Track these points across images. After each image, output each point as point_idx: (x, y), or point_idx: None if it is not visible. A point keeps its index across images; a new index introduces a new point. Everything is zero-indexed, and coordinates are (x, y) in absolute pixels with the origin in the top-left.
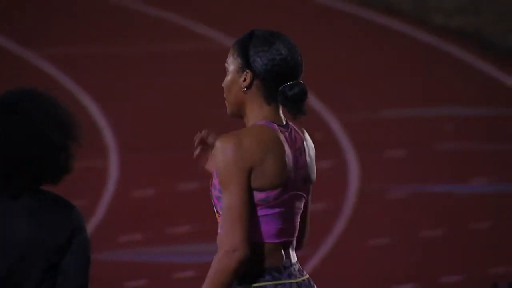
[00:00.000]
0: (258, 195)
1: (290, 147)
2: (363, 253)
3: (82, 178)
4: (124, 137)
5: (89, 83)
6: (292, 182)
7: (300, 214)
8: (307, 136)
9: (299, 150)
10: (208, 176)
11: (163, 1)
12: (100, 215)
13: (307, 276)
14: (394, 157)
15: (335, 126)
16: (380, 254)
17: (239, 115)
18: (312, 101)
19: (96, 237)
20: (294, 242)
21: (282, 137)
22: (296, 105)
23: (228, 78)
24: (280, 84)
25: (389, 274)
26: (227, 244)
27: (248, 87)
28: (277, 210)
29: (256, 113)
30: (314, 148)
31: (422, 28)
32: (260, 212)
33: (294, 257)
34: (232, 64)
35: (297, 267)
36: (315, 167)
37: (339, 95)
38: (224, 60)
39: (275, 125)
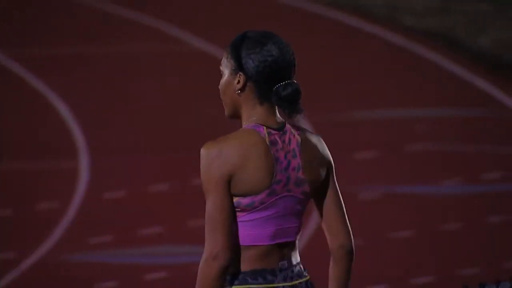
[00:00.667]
0: (243, 201)
1: (280, 149)
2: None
3: (53, 179)
4: (95, 138)
5: (59, 84)
6: (282, 185)
7: (300, 215)
8: (314, 139)
9: (292, 153)
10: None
11: (134, 2)
12: (70, 216)
13: (307, 278)
14: (365, 158)
15: (306, 127)
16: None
17: (236, 116)
18: None
19: (67, 239)
20: (296, 242)
21: (268, 140)
22: (290, 105)
23: (223, 80)
24: (273, 85)
25: (361, 275)
26: (207, 251)
27: (242, 89)
28: (267, 213)
29: (249, 115)
30: (324, 151)
31: (392, 29)
32: (249, 216)
33: (295, 259)
34: (226, 66)
35: (297, 269)
36: (322, 168)
37: (310, 96)
38: (194, 62)
39: (263, 128)
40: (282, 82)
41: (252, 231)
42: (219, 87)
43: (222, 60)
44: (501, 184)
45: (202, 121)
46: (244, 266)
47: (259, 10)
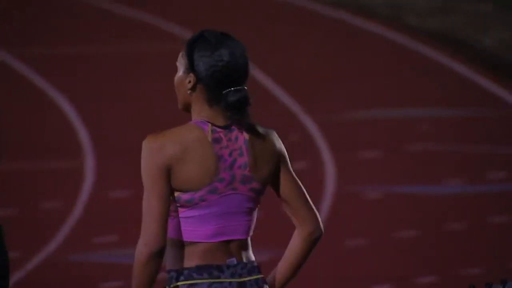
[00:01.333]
0: (183, 196)
1: (224, 147)
2: (339, 253)
3: (58, 179)
4: (100, 138)
5: (64, 84)
6: (225, 183)
7: (250, 212)
8: (264, 134)
9: (238, 151)
10: None
11: (138, 1)
12: (75, 216)
13: (259, 276)
14: (369, 157)
15: (311, 127)
16: (357, 255)
17: (188, 111)
18: (288, 102)
19: (72, 239)
20: (247, 240)
21: (212, 137)
22: (238, 111)
23: (177, 77)
24: (223, 89)
25: (365, 274)
26: (140, 238)
27: (192, 89)
28: (209, 210)
29: (197, 114)
30: (274, 145)
31: (395, 28)
32: (190, 212)
33: (247, 256)
34: (180, 64)
35: (248, 266)
36: (272, 163)
37: (314, 96)
38: None
39: (209, 125)
40: (231, 88)
41: (193, 227)
42: (174, 81)
43: (179, 56)
44: (504, 183)
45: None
46: (189, 262)
47: (261, 9)
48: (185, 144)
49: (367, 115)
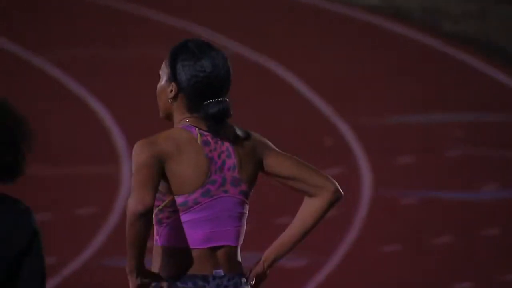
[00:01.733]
0: (177, 200)
1: (213, 150)
2: (375, 259)
3: (94, 184)
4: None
5: (100, 88)
6: (217, 185)
7: (241, 218)
8: (244, 134)
9: (226, 152)
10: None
11: (168, 6)
12: (111, 221)
13: None
14: (405, 163)
15: (346, 131)
16: (392, 260)
17: (169, 119)
18: (323, 106)
19: (107, 243)
20: (236, 249)
21: (200, 139)
22: (217, 123)
23: (159, 85)
24: (204, 99)
25: (401, 280)
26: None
27: (174, 98)
28: (202, 214)
29: (178, 120)
30: (255, 140)
31: (431, 33)
32: (184, 217)
33: (234, 268)
34: (163, 72)
35: (234, 280)
36: (257, 158)
37: (349, 100)
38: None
39: (195, 128)
40: (212, 99)
41: (185, 232)
42: (157, 89)
43: (163, 64)
44: None
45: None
46: (174, 271)
47: (293, 12)
48: (178, 143)
49: (403, 120)
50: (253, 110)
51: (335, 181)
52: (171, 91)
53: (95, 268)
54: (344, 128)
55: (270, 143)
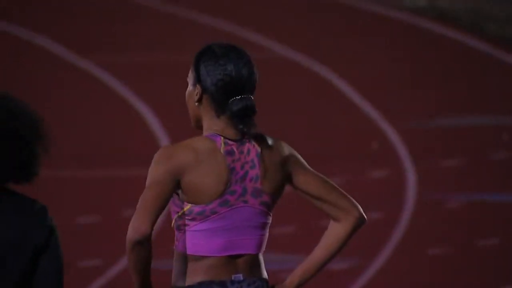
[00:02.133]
0: (195, 209)
1: (236, 160)
2: (421, 261)
3: (140, 186)
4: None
5: (145, 91)
6: (237, 195)
7: (262, 227)
8: (273, 145)
9: (250, 163)
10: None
11: (215, 9)
12: (157, 224)
13: None
14: (450, 165)
15: (392, 134)
16: (438, 263)
17: (199, 127)
18: (369, 109)
19: (154, 245)
20: (258, 257)
21: (224, 149)
22: (242, 120)
23: (187, 91)
24: (228, 98)
25: (446, 283)
26: (131, 225)
27: (199, 101)
28: (220, 224)
29: (208, 126)
30: (283, 153)
31: (477, 36)
32: (201, 226)
33: (255, 274)
34: (189, 77)
35: (256, 284)
36: (284, 172)
37: (395, 103)
38: (276, 68)
39: (221, 138)
40: (236, 97)
41: (202, 241)
42: (185, 97)
43: (190, 70)
44: None
45: (276, 126)
46: (192, 278)
47: (338, 16)
48: (198, 154)
49: (449, 122)
50: (301, 114)
51: (359, 206)
52: (197, 94)
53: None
54: (390, 131)
55: (300, 158)
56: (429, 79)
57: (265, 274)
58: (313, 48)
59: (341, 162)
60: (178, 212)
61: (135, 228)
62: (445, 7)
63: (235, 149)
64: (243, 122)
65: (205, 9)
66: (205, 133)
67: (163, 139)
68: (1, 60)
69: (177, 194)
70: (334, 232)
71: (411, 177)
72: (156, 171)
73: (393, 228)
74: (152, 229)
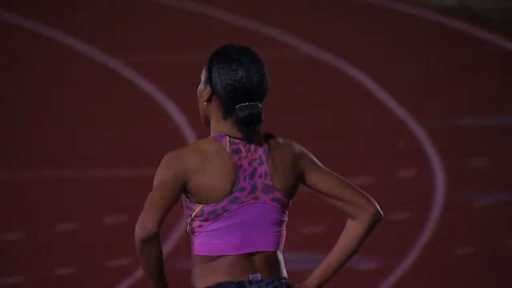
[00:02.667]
0: (206, 209)
1: (243, 157)
2: (448, 261)
3: None
4: None
5: (174, 91)
6: (246, 192)
7: (277, 224)
8: (283, 143)
9: (258, 160)
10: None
11: (243, 9)
12: (184, 222)
13: None
14: (478, 165)
15: (420, 133)
16: (465, 263)
17: (208, 123)
18: (397, 108)
19: (180, 245)
20: (276, 254)
21: (230, 148)
22: (247, 127)
23: (198, 88)
24: (236, 103)
25: (474, 283)
26: (138, 224)
27: (208, 101)
28: (232, 221)
29: (214, 126)
30: (293, 151)
31: (507, 36)
32: (214, 225)
33: (275, 271)
34: (202, 75)
35: (275, 283)
36: (295, 169)
37: (424, 102)
38: (302, 68)
39: (226, 137)
40: (244, 103)
41: (217, 240)
42: (197, 93)
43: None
44: None
45: (303, 125)
46: (210, 280)
47: (366, 16)
48: (204, 156)
49: (477, 122)
50: (328, 113)
51: (375, 202)
52: (207, 93)
53: (168, 270)
54: (418, 130)
55: (313, 157)
56: (457, 79)
57: (284, 273)
58: (341, 47)
59: (368, 162)
60: (191, 215)
61: (142, 226)
62: (475, 7)
63: (241, 147)
64: (248, 129)
65: (233, 8)
66: (212, 133)
67: (190, 137)
68: (35, 61)
69: (188, 197)
70: (351, 230)
71: (439, 177)
72: (163, 174)
73: (421, 228)
74: (158, 227)
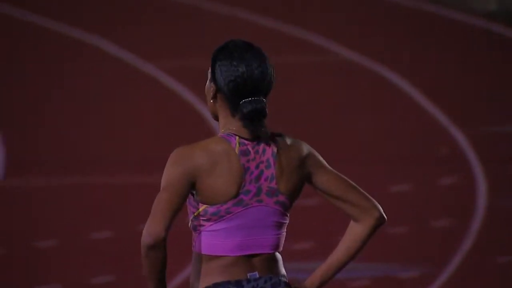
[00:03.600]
0: (209, 209)
1: (251, 160)
2: (491, 270)
3: None
4: None
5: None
6: (251, 195)
7: (278, 227)
8: (292, 145)
9: (265, 163)
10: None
11: (279, 13)
12: None
13: None
14: None
15: (461, 139)
16: (509, 272)
17: (217, 120)
18: (438, 114)
19: None
20: (275, 255)
21: (239, 149)
22: (251, 122)
23: (205, 86)
24: (240, 99)
25: None
26: (145, 228)
27: (214, 98)
28: (235, 223)
29: (223, 124)
30: (301, 152)
31: None
32: (216, 226)
33: (273, 270)
34: (208, 73)
35: (273, 280)
36: (302, 172)
37: (465, 108)
38: (341, 73)
39: (236, 137)
40: (247, 99)
41: (217, 241)
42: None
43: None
44: None
45: (343, 130)
46: (208, 279)
47: (405, 19)
48: (213, 156)
49: None
50: (367, 118)
51: (379, 206)
52: (212, 91)
53: None
54: (459, 137)
55: (320, 158)
56: (499, 84)
57: (283, 271)
58: (380, 52)
59: (409, 168)
60: (194, 213)
61: (150, 232)
62: None
63: (250, 149)
64: (253, 125)
65: (270, 12)
66: (221, 131)
67: None
68: (70, 66)
69: (192, 194)
70: (354, 232)
71: (481, 184)
72: (171, 173)
73: (463, 235)
74: (166, 233)
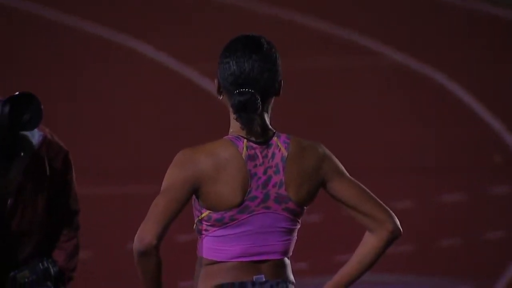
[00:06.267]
0: (213, 216)
1: (259, 165)
2: None
3: None
4: None
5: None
6: (258, 201)
7: (287, 233)
8: (307, 148)
9: (274, 168)
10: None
11: (331, 16)
12: None
13: None
14: None
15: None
16: None
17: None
18: (491, 121)
19: None
20: (283, 261)
21: (246, 154)
22: (240, 116)
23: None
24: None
25: None
26: (137, 234)
27: (220, 94)
28: (239, 230)
29: (232, 124)
30: (316, 158)
31: None
32: (220, 232)
33: (281, 275)
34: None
35: (281, 285)
36: (316, 179)
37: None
38: (393, 78)
39: (244, 141)
40: (236, 91)
41: (221, 247)
42: None
43: None
44: None
45: (393, 136)
46: (212, 281)
47: (454, 20)
48: (218, 162)
49: None
50: (419, 124)
51: (395, 218)
52: (217, 87)
53: None
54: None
55: (338, 163)
56: None
57: (291, 277)
58: (431, 56)
59: (461, 176)
60: (198, 216)
61: (141, 238)
62: None
63: (258, 153)
64: (241, 118)
65: (318, 14)
66: (230, 130)
67: None
68: (106, 68)
69: (197, 198)
70: (368, 243)
71: None
72: (173, 176)
73: None
74: (158, 240)
